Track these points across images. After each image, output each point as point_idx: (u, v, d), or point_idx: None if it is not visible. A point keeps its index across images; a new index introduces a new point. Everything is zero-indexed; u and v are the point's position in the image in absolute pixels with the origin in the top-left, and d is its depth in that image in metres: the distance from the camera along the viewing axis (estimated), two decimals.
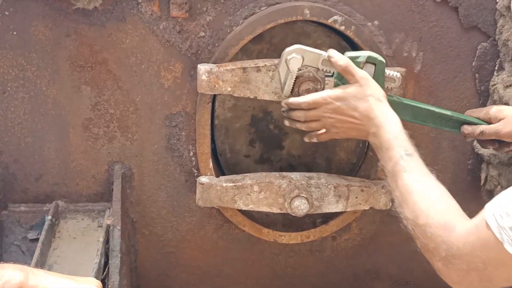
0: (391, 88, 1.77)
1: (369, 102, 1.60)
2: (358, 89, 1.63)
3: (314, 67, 1.72)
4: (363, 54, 1.70)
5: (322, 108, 1.67)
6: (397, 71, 1.80)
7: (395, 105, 1.65)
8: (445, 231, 1.32)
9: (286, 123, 1.78)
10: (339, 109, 1.64)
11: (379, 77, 1.68)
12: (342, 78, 1.69)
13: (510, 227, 1.17)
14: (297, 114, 1.72)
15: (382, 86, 1.67)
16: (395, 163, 1.48)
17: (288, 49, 1.72)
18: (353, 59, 1.68)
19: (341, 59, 1.67)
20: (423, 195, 1.41)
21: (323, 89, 1.73)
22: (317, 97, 1.67)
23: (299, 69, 1.72)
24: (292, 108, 1.73)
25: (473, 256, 1.25)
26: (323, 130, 1.72)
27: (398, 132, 1.54)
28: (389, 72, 1.76)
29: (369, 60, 1.69)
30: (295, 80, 1.73)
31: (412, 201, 1.41)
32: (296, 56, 1.70)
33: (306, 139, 1.79)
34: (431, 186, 1.43)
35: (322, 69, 1.72)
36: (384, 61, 1.71)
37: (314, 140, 1.77)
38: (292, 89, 1.75)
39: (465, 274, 1.28)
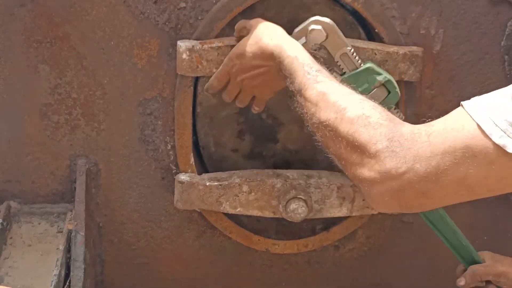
0: None
1: (262, 41, 1.66)
2: (249, 37, 1.70)
3: (330, 54, 1.74)
4: (386, 74, 1.73)
5: (232, 75, 1.76)
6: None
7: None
8: (390, 122, 1.29)
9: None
10: (242, 66, 1.72)
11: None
12: (357, 80, 1.71)
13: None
14: (223, 97, 1.84)
15: None
16: (302, 79, 1.49)
17: (317, 18, 1.73)
18: (373, 71, 1.71)
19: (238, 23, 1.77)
20: (345, 93, 1.40)
21: None
22: (220, 68, 1.78)
23: (314, 48, 1.73)
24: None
25: (437, 160, 1.21)
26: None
27: (299, 53, 1.56)
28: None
29: (387, 85, 1.72)
30: None
31: (331, 101, 1.38)
32: (322, 30, 1.71)
33: (254, 111, 1.88)
34: (351, 90, 1.43)
35: (337, 62, 1.75)
36: (399, 95, 1.75)
37: (256, 109, 1.87)
38: None
39: (412, 179, 1.23)
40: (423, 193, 1.24)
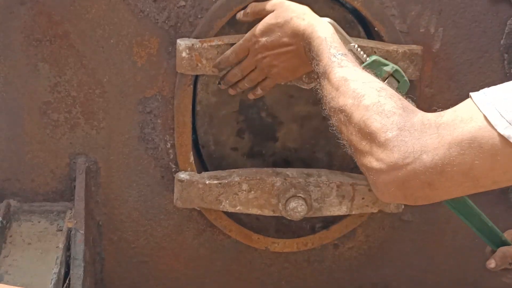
0: None
1: (293, 20, 1.65)
2: (277, 15, 1.69)
3: None
4: (393, 65, 1.73)
5: (252, 51, 1.74)
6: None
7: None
8: (404, 111, 1.30)
9: (231, 91, 1.87)
10: (268, 43, 1.70)
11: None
12: None
13: None
14: (232, 73, 1.81)
15: None
16: (327, 62, 1.50)
17: None
18: (380, 62, 1.71)
19: (246, 9, 1.78)
20: (366, 81, 1.41)
21: None
22: (241, 42, 1.76)
23: None
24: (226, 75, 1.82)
25: (448, 152, 1.21)
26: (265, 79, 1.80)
27: (329, 35, 1.56)
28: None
29: (396, 75, 1.72)
30: None
31: (351, 87, 1.39)
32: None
33: (250, 96, 1.87)
34: (373, 78, 1.44)
35: None
36: (409, 84, 1.74)
37: (259, 92, 1.84)
38: None
39: (421, 169, 1.23)
40: (428, 184, 1.24)
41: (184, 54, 1.80)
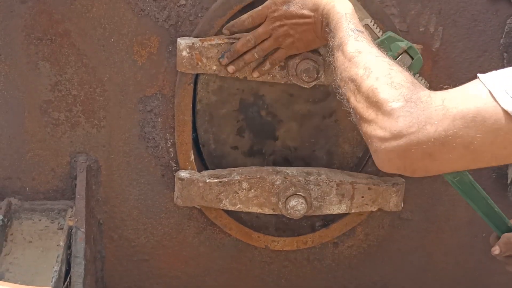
0: None
1: None
2: None
3: None
4: (407, 41, 1.73)
5: (270, 18, 1.75)
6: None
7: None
8: (412, 85, 1.33)
9: (230, 69, 1.82)
10: (287, 12, 1.72)
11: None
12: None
13: None
14: (244, 40, 1.79)
15: None
16: (344, 35, 1.52)
17: None
18: (395, 38, 1.72)
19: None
20: (379, 55, 1.44)
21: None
22: (258, 8, 1.76)
23: None
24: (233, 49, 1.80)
25: (453, 126, 1.24)
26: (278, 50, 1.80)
27: (348, 12, 1.59)
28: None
29: (410, 51, 1.72)
30: None
31: (364, 59, 1.43)
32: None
33: (255, 74, 1.85)
34: (386, 55, 1.47)
35: None
36: (422, 61, 1.74)
37: (267, 68, 1.83)
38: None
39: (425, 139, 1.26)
40: (429, 155, 1.27)
41: (184, 53, 1.80)
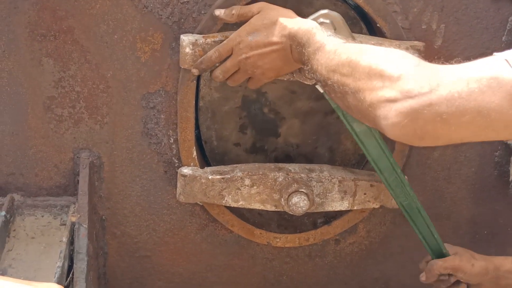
0: None
1: (279, 21, 1.67)
2: (263, 16, 1.71)
3: None
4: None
5: (236, 51, 1.74)
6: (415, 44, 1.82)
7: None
8: (419, 56, 1.31)
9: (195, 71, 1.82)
10: (253, 43, 1.71)
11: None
12: None
13: None
14: (215, 74, 1.80)
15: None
16: (318, 40, 1.51)
17: (327, 11, 1.72)
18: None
19: (229, 9, 1.77)
20: (367, 47, 1.41)
21: None
22: (224, 42, 1.76)
23: None
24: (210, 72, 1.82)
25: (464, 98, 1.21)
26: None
27: (315, 26, 1.59)
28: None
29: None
30: None
31: (350, 46, 1.41)
32: (331, 24, 1.71)
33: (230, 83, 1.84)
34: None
35: None
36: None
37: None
38: None
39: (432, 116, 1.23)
40: (441, 117, 1.22)
41: (187, 50, 1.80)
